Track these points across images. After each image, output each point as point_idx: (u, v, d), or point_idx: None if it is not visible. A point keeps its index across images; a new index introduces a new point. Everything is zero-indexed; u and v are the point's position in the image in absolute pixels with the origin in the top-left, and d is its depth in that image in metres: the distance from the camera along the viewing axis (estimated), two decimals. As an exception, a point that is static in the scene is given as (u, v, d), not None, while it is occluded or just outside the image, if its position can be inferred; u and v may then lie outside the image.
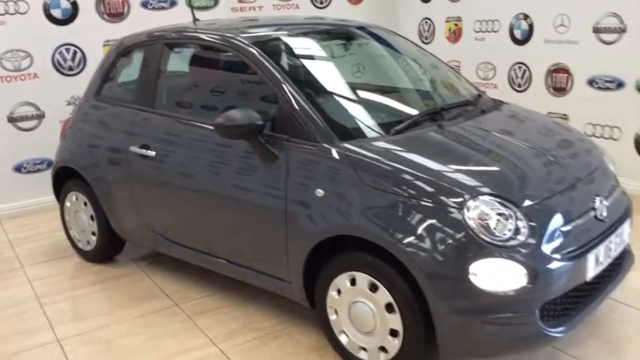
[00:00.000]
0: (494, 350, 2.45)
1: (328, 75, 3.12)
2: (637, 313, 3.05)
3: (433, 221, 2.35)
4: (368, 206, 2.47)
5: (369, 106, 2.98)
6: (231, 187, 2.95)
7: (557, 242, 2.38)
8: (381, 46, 3.66)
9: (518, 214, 2.36)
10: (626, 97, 4.69)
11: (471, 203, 2.35)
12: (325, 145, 2.64)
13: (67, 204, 3.98)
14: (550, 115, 5.27)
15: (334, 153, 2.61)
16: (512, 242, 2.31)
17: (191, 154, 3.14)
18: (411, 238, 2.35)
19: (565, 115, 5.20)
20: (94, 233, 3.84)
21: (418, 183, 2.44)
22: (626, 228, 2.76)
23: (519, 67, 5.53)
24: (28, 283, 3.75)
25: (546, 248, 2.34)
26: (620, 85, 4.74)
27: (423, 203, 2.39)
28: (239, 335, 3.04)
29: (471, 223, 2.31)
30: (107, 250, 3.91)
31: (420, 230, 2.35)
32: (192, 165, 3.14)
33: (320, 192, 2.61)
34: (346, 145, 2.62)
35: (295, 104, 2.75)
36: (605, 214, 2.60)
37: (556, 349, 2.76)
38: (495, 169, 2.59)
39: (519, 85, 5.57)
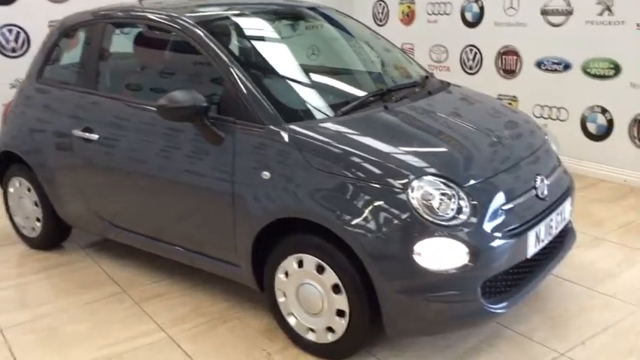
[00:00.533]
0: (438, 328, 2.49)
1: (276, 56, 3.08)
2: (580, 289, 3.13)
3: (378, 202, 2.36)
4: (314, 188, 2.46)
5: (316, 87, 2.96)
6: (178, 170, 2.90)
7: (499, 220, 2.42)
8: (332, 28, 3.64)
9: (461, 194, 2.39)
10: (573, 78, 4.80)
11: (415, 184, 2.36)
12: (271, 127, 2.62)
13: (11, 190, 3.86)
14: (500, 97, 5.36)
15: (280, 135, 2.59)
16: (454, 221, 2.34)
17: (136, 137, 3.07)
18: (356, 220, 2.36)
19: (514, 97, 5.29)
20: (38, 219, 3.74)
21: (364, 165, 2.44)
22: (567, 206, 2.82)
23: (470, 50, 5.59)
24: (-31, 272, 3.64)
25: (488, 226, 2.38)
26: (567, 66, 4.84)
27: (369, 185, 2.39)
28: (188, 320, 3.01)
29: (415, 203, 2.33)
30: (53, 236, 3.81)
31: (365, 212, 2.36)
32: (138, 149, 3.07)
33: (266, 174, 2.59)
34: (292, 126, 2.60)
35: (241, 86, 2.71)
36: (546, 192, 2.65)
37: (500, 325, 2.82)
38: (439, 150, 2.61)
39: (470, 68, 5.64)
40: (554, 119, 5.01)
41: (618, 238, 3.69)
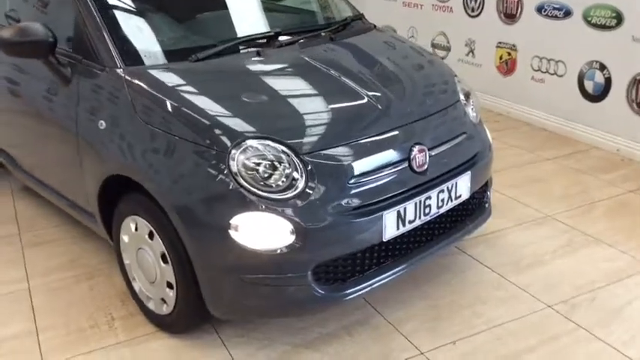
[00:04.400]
0: (262, 313, 2.19)
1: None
2: (491, 276, 2.68)
3: (198, 165, 2.04)
4: (139, 142, 2.17)
5: (186, 27, 2.61)
6: (41, 108, 2.69)
7: (343, 196, 2.05)
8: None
9: (297, 163, 2.02)
10: (573, 27, 4.14)
11: (239, 147, 2.01)
12: (109, 69, 2.31)
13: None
14: (499, 45, 4.75)
15: (115, 79, 2.28)
16: (282, 195, 1.99)
17: (7, 71, 2.88)
18: (173, 182, 2.06)
19: (514, 45, 4.66)
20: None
21: (190, 121, 2.11)
22: (461, 182, 2.36)
23: (473, -10, 4.96)
24: None
25: (325, 203, 2.01)
26: (567, 13, 4.17)
27: (191, 144, 2.06)
28: (60, 272, 2.85)
29: (236, 170, 1.99)
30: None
31: (183, 174, 2.05)
32: (15, 84, 2.89)
33: (102, 124, 2.31)
34: (130, 71, 2.28)
35: (88, 17, 2.39)
36: (424, 166, 2.23)
37: (374, 309, 2.47)
38: (285, 109, 2.22)
39: (473, 10, 5.01)
40: (551, 74, 4.38)
41: (572, 218, 3.17)
